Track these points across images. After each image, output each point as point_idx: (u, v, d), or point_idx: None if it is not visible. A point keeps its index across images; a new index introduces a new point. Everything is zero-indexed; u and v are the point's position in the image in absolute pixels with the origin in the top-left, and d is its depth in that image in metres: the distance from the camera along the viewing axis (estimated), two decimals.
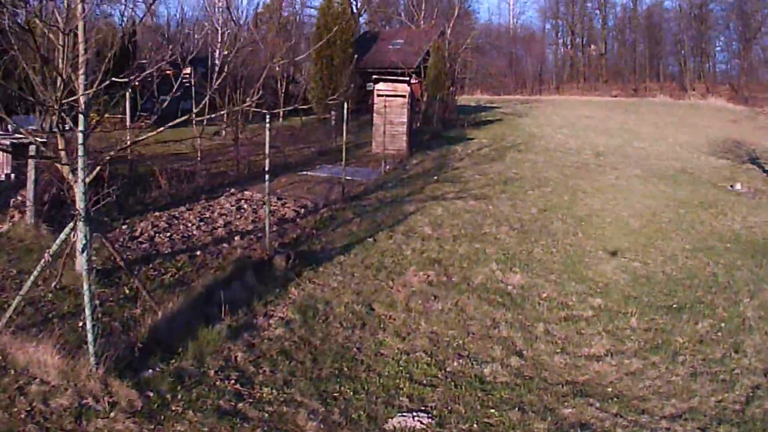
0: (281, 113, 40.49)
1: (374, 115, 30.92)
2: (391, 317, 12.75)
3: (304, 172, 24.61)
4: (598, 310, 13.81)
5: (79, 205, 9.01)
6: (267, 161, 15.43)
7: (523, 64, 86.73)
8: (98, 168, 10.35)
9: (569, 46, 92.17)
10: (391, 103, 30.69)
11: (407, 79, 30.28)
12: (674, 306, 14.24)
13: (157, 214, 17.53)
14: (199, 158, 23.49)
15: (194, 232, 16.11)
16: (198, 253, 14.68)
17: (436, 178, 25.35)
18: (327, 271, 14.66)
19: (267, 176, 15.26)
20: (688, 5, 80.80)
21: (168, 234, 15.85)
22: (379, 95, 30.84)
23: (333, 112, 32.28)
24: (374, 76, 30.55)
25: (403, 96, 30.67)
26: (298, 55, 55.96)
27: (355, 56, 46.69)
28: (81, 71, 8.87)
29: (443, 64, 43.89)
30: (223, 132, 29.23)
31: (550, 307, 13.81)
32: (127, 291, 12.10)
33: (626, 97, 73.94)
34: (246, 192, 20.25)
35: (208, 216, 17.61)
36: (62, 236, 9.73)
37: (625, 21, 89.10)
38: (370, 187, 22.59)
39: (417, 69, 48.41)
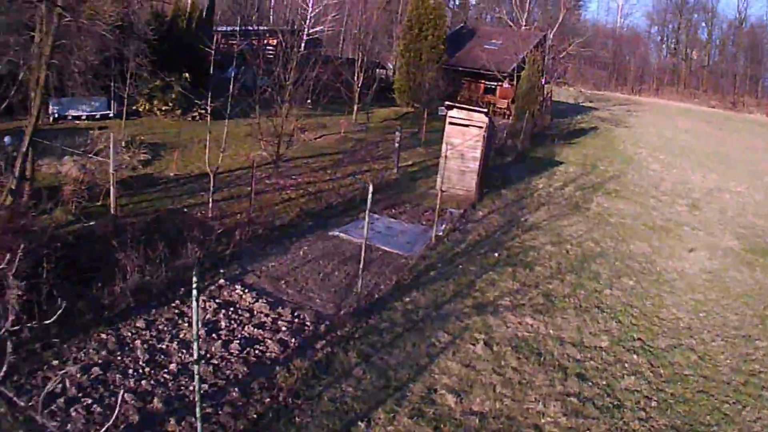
0: (355, 107, 34.36)
1: (443, 145, 24.50)
2: None
3: (337, 233, 18.59)
4: None
5: None
6: None
7: (626, 63, 79.56)
8: None
9: (672, 52, 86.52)
10: (465, 134, 24.16)
11: (483, 110, 23.35)
12: None
13: (102, 335, 11.94)
14: (210, 204, 17.81)
15: (127, 399, 10.39)
16: None
17: (497, 255, 18.96)
18: None
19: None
20: None
21: (88, 401, 10.21)
22: (451, 123, 24.36)
23: (397, 133, 25.80)
24: (447, 103, 23.70)
25: (479, 127, 24.11)
26: (393, 39, 50.17)
27: (444, 57, 40.15)
28: None
29: (537, 77, 36.70)
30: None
31: None
32: None
33: (723, 110, 67.79)
34: (236, 289, 14.38)
35: (164, 348, 11.90)
36: None
37: (729, 35, 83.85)
38: (403, 278, 16.41)
39: (511, 74, 41.72)
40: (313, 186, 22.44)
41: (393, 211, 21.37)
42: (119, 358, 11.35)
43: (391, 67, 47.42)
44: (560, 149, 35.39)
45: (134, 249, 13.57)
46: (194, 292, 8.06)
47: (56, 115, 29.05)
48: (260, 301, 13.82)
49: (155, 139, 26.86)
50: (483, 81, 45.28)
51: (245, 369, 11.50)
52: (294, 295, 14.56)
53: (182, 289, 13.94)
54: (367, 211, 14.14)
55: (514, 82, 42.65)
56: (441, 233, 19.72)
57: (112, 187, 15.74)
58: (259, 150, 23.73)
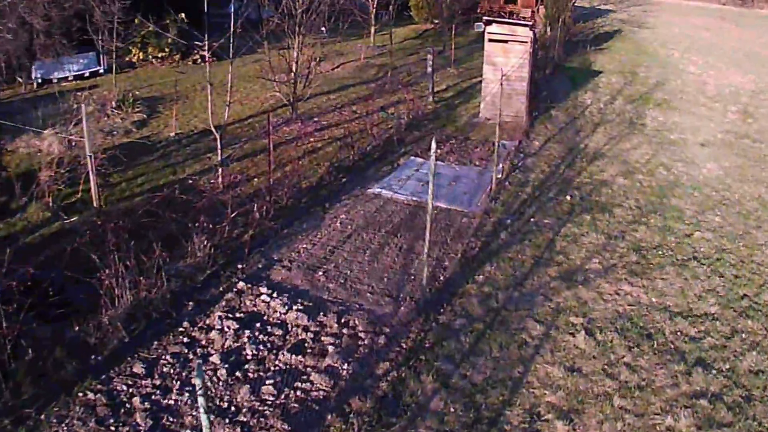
0: (372, 30, 29.75)
1: (484, 66, 20.13)
2: None
3: (378, 190, 14.58)
4: None
5: None
6: None
7: None
8: None
9: None
10: (508, 51, 19.73)
11: (527, 24, 18.94)
12: None
13: (89, 394, 8.31)
14: (219, 171, 13.85)
15: None
16: None
17: (569, 198, 15.11)
18: None
19: None
20: None
21: None
22: (491, 40, 19.93)
23: (429, 56, 21.36)
24: (485, 18, 19.18)
25: (524, 42, 19.67)
26: None
27: None
28: None
29: None
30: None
31: None
32: None
33: (734, 6, 62.32)
34: (261, 292, 10.54)
35: (171, 405, 8.24)
36: None
37: None
38: (470, 246, 12.49)
39: None
40: (339, 129, 18.32)
41: (438, 150, 17.22)
42: (112, 428, 7.64)
43: None
44: (593, 56, 31.79)
45: (122, 258, 9.68)
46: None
47: (40, 80, 24.93)
48: (295, 307, 10.00)
49: (152, 92, 22.78)
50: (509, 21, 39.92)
51: (285, 426, 7.75)
52: (337, 291, 10.72)
53: (189, 303, 10.15)
54: (432, 172, 10.01)
55: None
56: (500, 175, 15.60)
57: (91, 174, 11.80)
58: (272, 91, 19.48)
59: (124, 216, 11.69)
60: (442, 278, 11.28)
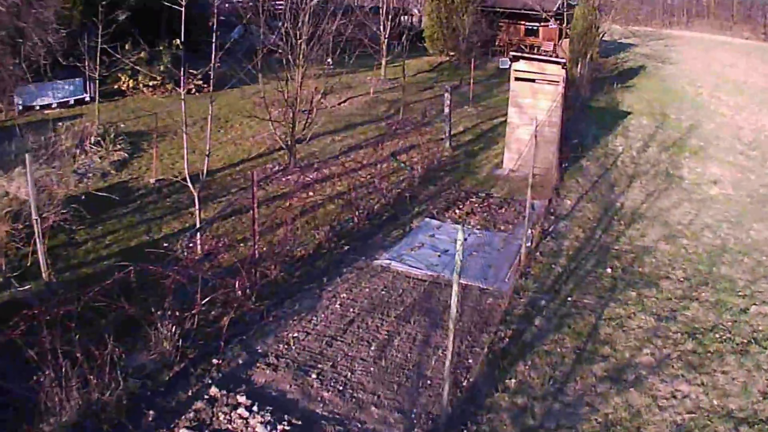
0: (384, 62, 27.99)
1: (509, 108, 18.20)
2: None
3: (387, 261, 12.50)
4: None
5: None
6: None
7: None
8: None
9: None
10: (537, 92, 17.84)
11: (559, 61, 17.01)
12: None
13: None
14: (199, 244, 11.78)
15: None
16: None
17: (610, 270, 13.20)
18: None
19: None
20: None
21: None
22: (518, 78, 18.02)
23: (447, 95, 19.43)
24: (511, 53, 17.27)
25: (556, 82, 17.76)
26: None
27: None
28: None
29: (594, 14, 29.88)
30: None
31: None
32: None
33: (757, 41, 63.05)
34: (238, 404, 8.48)
35: None
36: None
37: None
38: (499, 338, 10.42)
39: (557, 12, 34.88)
40: (343, 180, 16.31)
41: (457, 210, 15.27)
42: None
43: (417, 12, 40.59)
44: (620, 95, 30.24)
45: (67, 354, 7.64)
46: None
47: (21, 106, 23.16)
48: (280, 427, 7.91)
49: (139, 125, 20.93)
50: (523, 22, 38.33)
51: None
52: (335, 403, 8.62)
53: (150, 412, 8.06)
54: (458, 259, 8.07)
55: (562, 24, 35.88)
56: (530, 243, 13.55)
57: (38, 241, 9.79)
58: (269, 129, 17.56)
59: (77, 293, 9.60)
60: (465, 383, 9.19)
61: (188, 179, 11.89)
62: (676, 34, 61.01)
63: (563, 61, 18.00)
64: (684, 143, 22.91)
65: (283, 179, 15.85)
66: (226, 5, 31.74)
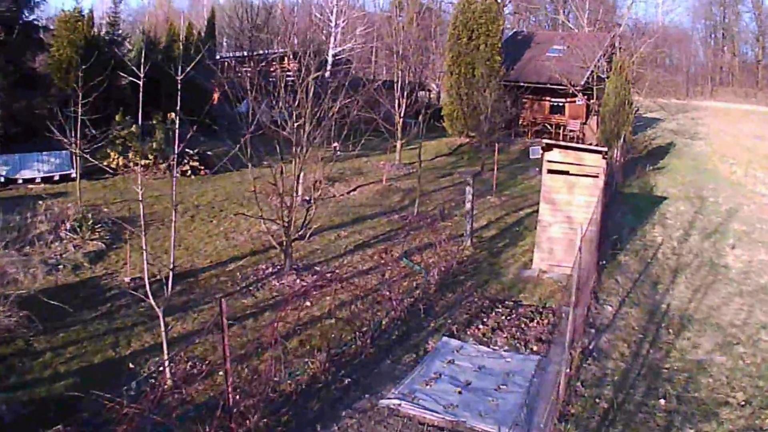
0: (398, 144, 26.36)
1: (541, 204, 16.23)
2: None
3: (395, 400, 10.24)
4: None
5: None
6: None
7: (675, 65, 71.49)
8: None
9: (722, 49, 79.10)
10: (573, 186, 15.90)
11: (600, 150, 15.10)
12: None
13: None
14: (166, 365, 9.76)
15: None
16: None
17: (663, 401, 10.94)
18: None
19: None
20: None
21: None
22: (551, 171, 16.11)
23: (468, 188, 17.49)
24: (546, 141, 15.57)
25: (594, 176, 15.84)
26: (429, 53, 41.54)
27: (502, 71, 32.11)
28: None
29: (627, 90, 28.29)
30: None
31: None
32: None
33: None
34: None
35: None
36: None
37: None
38: None
39: (585, 87, 33.44)
40: (346, 287, 14.26)
41: (480, 325, 13.13)
42: None
43: (436, 88, 39.32)
44: (653, 178, 28.94)
45: None
46: None
47: (2, 179, 21.71)
48: None
49: (123, 209, 19.19)
50: (548, 98, 36.89)
51: None
52: None
53: None
54: None
55: (590, 98, 34.42)
56: (568, 369, 11.32)
57: None
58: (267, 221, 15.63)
59: None
60: None
61: (150, 296, 9.91)
62: (702, 105, 60.67)
63: (604, 150, 16.08)
64: (726, 229, 21.43)
65: (277, 284, 13.81)
66: (233, 76, 30.56)
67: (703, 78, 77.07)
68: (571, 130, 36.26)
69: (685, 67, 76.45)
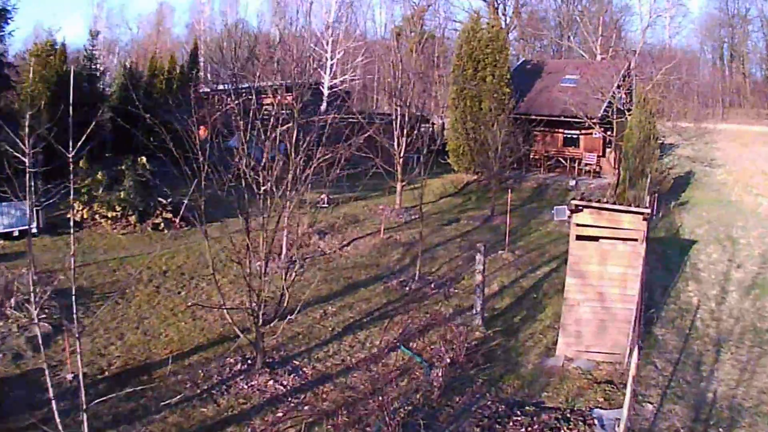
0: (399, 186, 24.11)
1: (567, 277, 13.84)
2: None
3: None
4: None
5: None
6: None
7: (685, 88, 69.95)
8: None
9: (731, 70, 76.99)
10: (606, 254, 13.50)
11: (642, 211, 12.71)
12: None
13: None
14: None
15: None
16: None
17: None
18: None
19: None
20: None
21: None
22: (580, 237, 13.69)
23: (479, 257, 15.06)
24: (573, 201, 13.04)
25: (633, 239, 13.48)
26: (431, 82, 39.27)
27: (511, 103, 29.92)
28: None
29: (653, 123, 26.03)
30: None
31: None
32: None
33: None
34: None
35: None
36: None
37: None
38: None
39: (602, 118, 31.25)
40: (329, 387, 11.89)
41: None
42: None
43: (439, 121, 37.16)
44: (677, 215, 27.00)
45: None
46: None
47: None
48: None
49: (83, 277, 16.85)
50: (561, 130, 34.64)
51: None
52: None
53: None
54: None
55: (608, 131, 32.17)
56: None
57: None
58: (240, 294, 13.30)
59: None
60: None
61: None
62: (714, 128, 59.68)
63: (646, 210, 13.71)
64: (764, 281, 19.43)
65: (246, 387, 11.47)
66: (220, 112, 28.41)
67: (713, 100, 75.64)
68: (586, 164, 34.01)
69: (696, 89, 75.05)
